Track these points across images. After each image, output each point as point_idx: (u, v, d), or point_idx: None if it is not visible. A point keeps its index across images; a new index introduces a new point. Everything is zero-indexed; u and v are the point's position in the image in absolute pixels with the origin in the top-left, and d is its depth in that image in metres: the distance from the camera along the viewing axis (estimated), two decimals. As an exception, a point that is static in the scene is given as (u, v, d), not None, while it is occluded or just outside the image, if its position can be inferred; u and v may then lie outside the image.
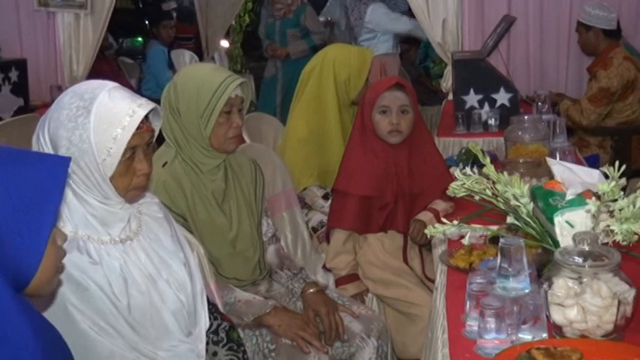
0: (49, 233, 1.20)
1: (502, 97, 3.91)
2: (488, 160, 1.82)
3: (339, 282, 2.74)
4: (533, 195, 1.79)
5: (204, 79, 2.23)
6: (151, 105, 1.68)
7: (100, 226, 1.69)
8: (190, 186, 2.27)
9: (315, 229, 3.07)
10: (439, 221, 2.58)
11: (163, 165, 2.23)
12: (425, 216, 2.65)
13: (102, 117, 1.61)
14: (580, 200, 1.67)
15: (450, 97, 4.75)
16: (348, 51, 3.35)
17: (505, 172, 1.80)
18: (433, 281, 2.51)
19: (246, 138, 3.29)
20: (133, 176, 1.69)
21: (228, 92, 2.21)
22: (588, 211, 1.63)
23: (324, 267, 2.82)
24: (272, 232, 2.48)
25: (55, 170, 1.21)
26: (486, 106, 3.92)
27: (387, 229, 2.74)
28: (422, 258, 2.77)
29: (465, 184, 1.79)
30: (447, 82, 4.98)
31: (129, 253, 1.71)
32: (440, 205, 2.69)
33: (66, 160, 1.24)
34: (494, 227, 1.92)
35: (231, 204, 2.32)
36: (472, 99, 3.93)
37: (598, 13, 4.17)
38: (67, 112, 1.62)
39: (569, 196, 1.69)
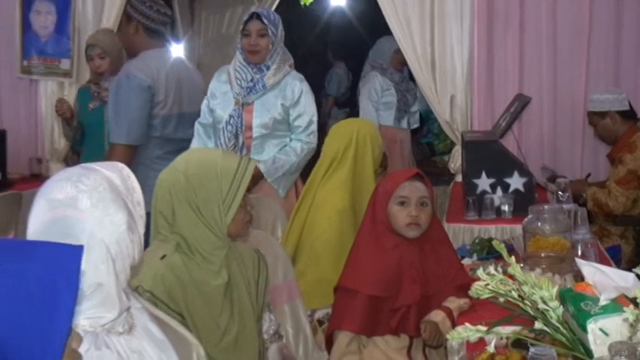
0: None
1: (516, 182, 3.92)
2: (513, 259, 1.82)
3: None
4: (563, 298, 1.78)
5: (217, 164, 2.28)
6: None
7: None
8: (190, 280, 2.25)
9: (321, 322, 3.04)
10: (452, 321, 2.62)
11: (162, 257, 2.22)
12: (436, 316, 2.64)
13: None
14: (615, 306, 1.67)
15: (459, 178, 4.80)
16: (373, 126, 3.78)
17: (527, 267, 1.80)
18: None
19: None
20: None
21: (250, 172, 2.28)
22: (625, 320, 1.62)
23: (326, 368, 2.78)
24: (274, 328, 2.46)
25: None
26: (499, 191, 3.93)
27: (400, 332, 2.72)
28: (425, 356, 2.76)
29: (489, 284, 1.79)
30: (454, 163, 5.00)
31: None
32: (453, 302, 2.69)
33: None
34: (514, 328, 1.91)
35: (233, 299, 2.30)
36: (484, 183, 3.94)
37: (608, 97, 4.27)
38: None
39: (602, 302, 1.69)
